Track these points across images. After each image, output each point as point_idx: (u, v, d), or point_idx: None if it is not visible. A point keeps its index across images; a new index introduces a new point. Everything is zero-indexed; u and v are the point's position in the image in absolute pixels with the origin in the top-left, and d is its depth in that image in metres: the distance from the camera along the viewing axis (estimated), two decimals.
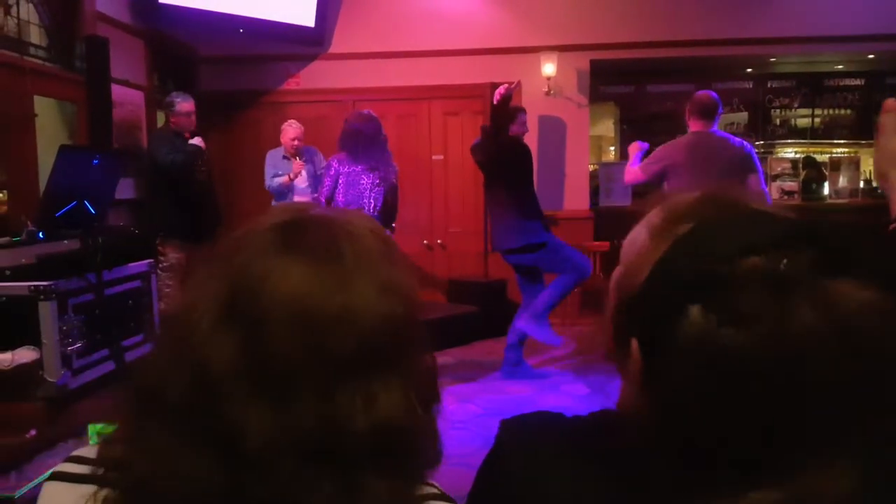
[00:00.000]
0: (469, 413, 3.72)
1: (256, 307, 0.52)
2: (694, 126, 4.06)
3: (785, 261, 0.49)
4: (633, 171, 4.25)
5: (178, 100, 4.54)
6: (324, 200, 3.59)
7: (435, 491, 0.64)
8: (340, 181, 3.54)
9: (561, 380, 4.33)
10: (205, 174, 4.69)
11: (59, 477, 0.60)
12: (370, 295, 0.54)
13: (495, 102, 3.99)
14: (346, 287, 0.54)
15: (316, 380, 0.51)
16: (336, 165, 3.55)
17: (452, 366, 4.68)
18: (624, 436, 0.58)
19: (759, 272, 0.48)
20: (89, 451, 0.60)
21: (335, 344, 0.52)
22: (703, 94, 4.12)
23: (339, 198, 3.56)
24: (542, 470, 0.65)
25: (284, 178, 4.84)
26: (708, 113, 4.02)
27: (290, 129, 4.98)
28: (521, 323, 4.23)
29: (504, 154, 4.13)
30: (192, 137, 4.47)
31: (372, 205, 3.58)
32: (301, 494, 0.50)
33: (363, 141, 3.57)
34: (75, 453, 0.62)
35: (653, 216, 0.60)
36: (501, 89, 4.00)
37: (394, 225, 3.95)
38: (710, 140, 4.01)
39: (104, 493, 0.54)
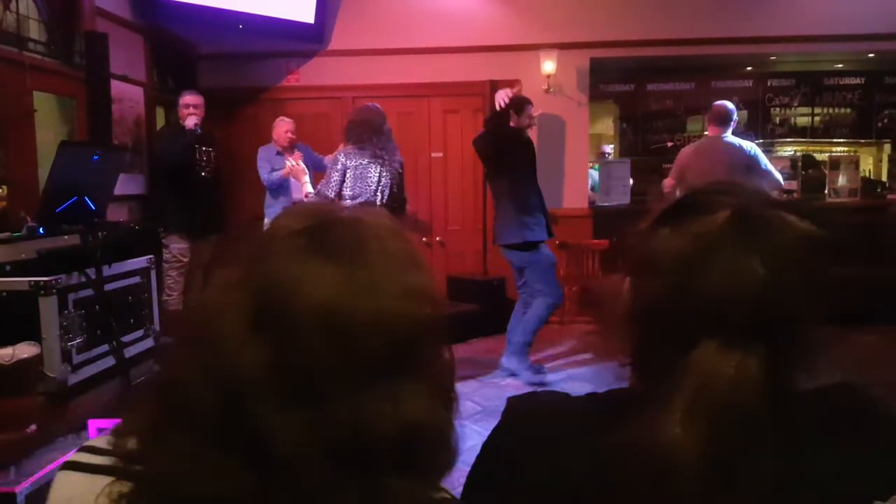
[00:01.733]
0: (468, 410, 3.73)
1: (287, 314, 0.52)
2: (711, 132, 4.61)
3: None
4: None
5: (184, 93, 4.69)
6: (332, 195, 3.56)
7: (447, 496, 0.64)
8: (348, 175, 3.52)
9: (559, 377, 4.34)
10: (210, 170, 4.70)
11: (73, 466, 0.59)
12: (397, 298, 0.54)
13: (499, 109, 4.06)
14: (375, 291, 0.53)
15: (346, 385, 0.51)
16: (343, 160, 3.52)
17: None
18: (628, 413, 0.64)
19: (707, 203, 0.68)
20: (102, 441, 0.60)
21: (365, 349, 0.51)
22: (718, 104, 4.63)
23: (347, 192, 3.54)
24: (548, 442, 0.70)
25: (284, 171, 4.79)
26: (721, 120, 4.53)
27: (283, 123, 5.01)
28: (506, 360, 4.25)
29: (505, 146, 4.17)
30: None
31: (380, 197, 3.57)
32: (327, 498, 0.50)
33: (369, 130, 3.56)
34: (88, 443, 0.61)
35: None
36: (505, 96, 4.01)
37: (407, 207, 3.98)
38: (717, 144, 4.48)
39: (121, 486, 0.53)
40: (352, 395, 0.51)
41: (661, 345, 0.65)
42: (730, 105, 4.58)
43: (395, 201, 3.71)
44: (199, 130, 4.56)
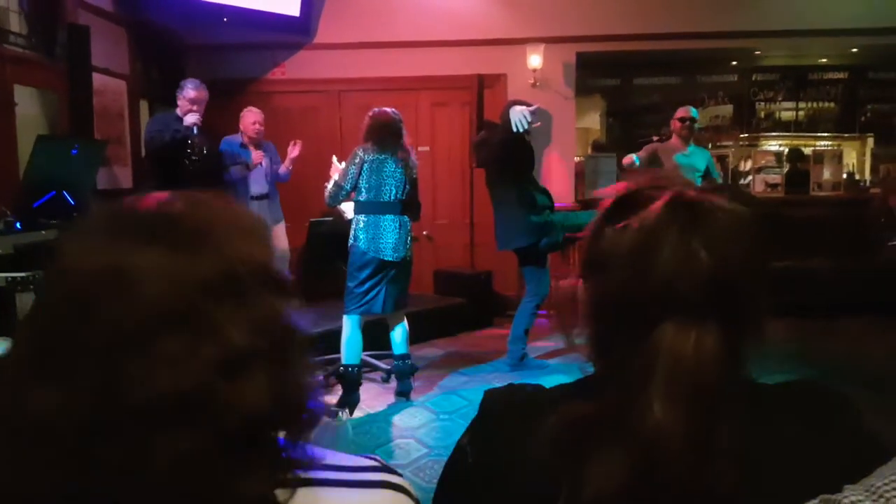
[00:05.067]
0: (454, 404, 3.73)
1: (44, 285, 0.54)
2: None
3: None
4: None
5: (189, 86, 4.35)
6: (349, 187, 3.65)
7: (377, 464, 0.64)
8: (365, 167, 3.64)
9: (556, 370, 4.34)
10: (197, 162, 4.38)
11: None
12: (149, 257, 0.52)
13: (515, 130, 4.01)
14: (120, 252, 0.52)
15: (92, 352, 0.50)
16: (361, 154, 3.65)
17: (439, 357, 4.69)
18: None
19: (646, 196, 0.71)
20: None
21: (105, 313, 0.50)
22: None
23: (363, 183, 3.65)
24: (522, 430, 0.71)
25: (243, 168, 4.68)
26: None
27: (251, 114, 4.78)
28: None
29: (518, 156, 4.14)
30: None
31: (392, 192, 3.63)
32: (89, 469, 0.49)
33: (390, 133, 3.68)
34: None
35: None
36: (522, 116, 3.98)
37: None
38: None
39: None
40: (100, 363, 0.50)
41: (621, 335, 0.69)
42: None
43: (411, 200, 3.76)
44: (195, 131, 4.28)
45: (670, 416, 0.62)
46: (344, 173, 3.68)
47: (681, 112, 5.01)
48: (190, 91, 4.35)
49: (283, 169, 4.91)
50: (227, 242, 0.55)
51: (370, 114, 3.78)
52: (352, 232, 3.69)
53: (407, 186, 3.70)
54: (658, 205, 0.69)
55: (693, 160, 4.90)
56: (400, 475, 0.65)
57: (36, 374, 0.51)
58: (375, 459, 0.65)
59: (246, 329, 0.53)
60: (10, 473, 0.50)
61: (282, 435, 0.56)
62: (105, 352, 0.50)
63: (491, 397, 0.79)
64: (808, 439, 0.68)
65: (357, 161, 3.64)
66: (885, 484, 0.60)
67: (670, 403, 0.63)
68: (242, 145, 4.77)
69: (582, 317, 0.75)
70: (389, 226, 3.63)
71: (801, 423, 0.69)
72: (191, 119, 4.27)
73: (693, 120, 4.97)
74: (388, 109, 3.79)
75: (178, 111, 4.36)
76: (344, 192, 3.68)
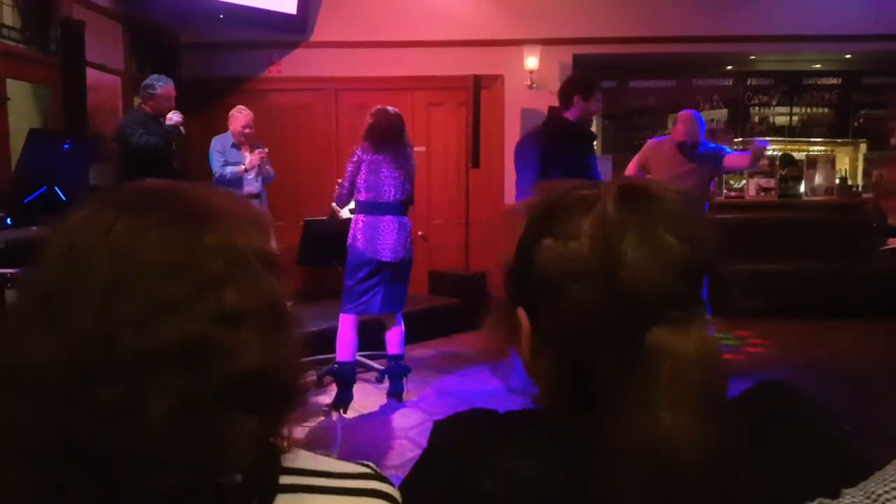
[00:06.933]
0: (448, 405, 3.72)
1: (44, 248, 0.56)
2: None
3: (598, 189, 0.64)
4: None
5: (161, 84, 4.26)
6: (347, 185, 3.65)
7: (368, 471, 0.63)
8: (363, 168, 3.64)
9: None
10: (179, 161, 4.40)
11: None
12: (152, 221, 0.54)
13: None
14: (122, 216, 0.54)
15: (87, 298, 0.52)
16: (359, 153, 3.65)
17: (433, 357, 4.68)
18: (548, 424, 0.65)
19: (583, 198, 0.64)
20: None
21: (102, 263, 0.53)
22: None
23: (360, 182, 3.65)
24: (472, 464, 0.66)
25: (239, 169, 4.56)
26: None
27: (241, 116, 4.61)
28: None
29: (560, 146, 3.53)
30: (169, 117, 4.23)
31: (391, 193, 3.63)
32: (80, 412, 0.50)
33: (391, 136, 3.66)
34: None
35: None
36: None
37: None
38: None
39: None
40: (91, 312, 0.51)
41: (600, 354, 0.61)
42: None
43: (410, 199, 3.76)
44: (182, 130, 4.27)
45: (682, 424, 0.57)
46: (345, 174, 3.73)
47: (681, 134, 4.26)
48: (167, 88, 4.27)
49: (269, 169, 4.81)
50: (227, 223, 0.58)
51: (371, 112, 3.76)
52: (351, 231, 3.69)
53: (407, 186, 3.70)
54: (609, 199, 0.62)
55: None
56: (391, 484, 0.63)
57: (35, 325, 0.53)
58: (368, 466, 0.64)
59: (241, 291, 0.55)
60: (11, 419, 0.51)
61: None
62: (99, 297, 0.52)
63: (439, 430, 0.72)
64: (778, 447, 0.64)
65: (355, 160, 3.65)
66: (887, 492, 0.58)
67: (681, 412, 0.57)
68: (233, 145, 4.67)
69: (531, 350, 0.66)
70: (388, 227, 3.63)
71: (768, 430, 0.65)
72: (176, 118, 4.23)
73: (693, 145, 4.26)
74: (389, 109, 3.76)
75: (148, 108, 4.26)
76: (345, 192, 3.71)
